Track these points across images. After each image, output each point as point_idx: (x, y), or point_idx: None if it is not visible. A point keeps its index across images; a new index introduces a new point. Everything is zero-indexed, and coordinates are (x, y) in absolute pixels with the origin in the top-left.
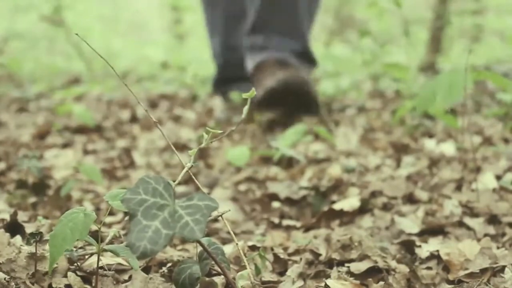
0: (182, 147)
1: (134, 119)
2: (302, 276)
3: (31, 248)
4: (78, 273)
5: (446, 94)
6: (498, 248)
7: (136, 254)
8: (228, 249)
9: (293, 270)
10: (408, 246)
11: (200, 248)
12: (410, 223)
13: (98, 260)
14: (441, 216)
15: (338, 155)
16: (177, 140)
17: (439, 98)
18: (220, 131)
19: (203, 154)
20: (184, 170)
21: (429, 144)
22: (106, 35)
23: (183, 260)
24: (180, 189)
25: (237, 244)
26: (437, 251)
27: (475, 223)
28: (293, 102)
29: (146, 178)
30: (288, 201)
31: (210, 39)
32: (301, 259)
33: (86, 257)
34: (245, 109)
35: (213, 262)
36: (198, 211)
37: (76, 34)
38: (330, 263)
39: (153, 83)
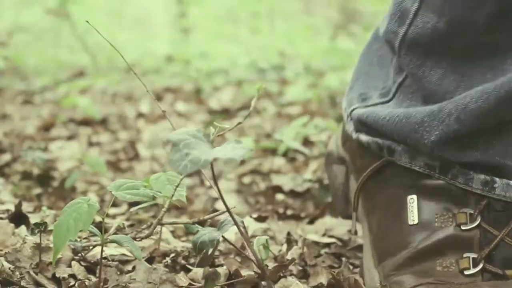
0: None
1: (139, 112)
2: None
3: (36, 239)
4: (82, 263)
5: None
6: None
7: (177, 170)
8: (231, 237)
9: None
10: None
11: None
12: None
13: (102, 250)
14: None
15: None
16: None
17: None
18: (226, 126)
19: None
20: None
21: None
22: (111, 29)
23: (202, 228)
24: (186, 181)
25: (242, 234)
26: None
27: None
28: None
29: (185, 129)
30: (292, 193)
31: None
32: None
33: (90, 247)
34: (253, 101)
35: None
36: (235, 148)
37: (87, 21)
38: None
39: (157, 77)
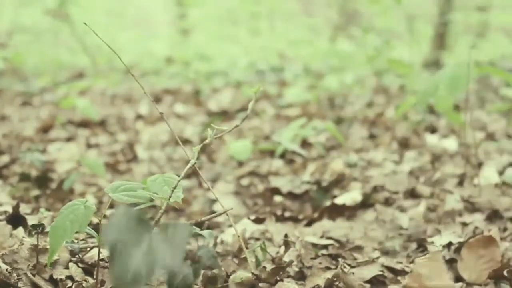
0: (184, 142)
1: (137, 113)
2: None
3: (33, 240)
4: (80, 265)
5: (449, 86)
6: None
7: None
8: (229, 239)
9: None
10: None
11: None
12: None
13: (99, 252)
14: (442, 210)
15: (342, 149)
16: (179, 134)
17: (442, 90)
18: (224, 127)
19: (205, 148)
20: (188, 166)
21: (432, 139)
22: (111, 30)
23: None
24: (184, 183)
25: (238, 236)
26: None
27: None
28: None
29: (117, 215)
30: (290, 195)
31: None
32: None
33: (88, 249)
34: (251, 103)
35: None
36: (173, 243)
37: (85, 24)
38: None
39: (157, 78)
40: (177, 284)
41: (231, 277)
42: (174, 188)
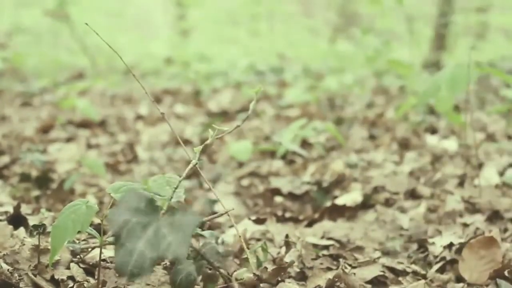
0: (184, 142)
1: (137, 114)
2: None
3: (35, 240)
4: (81, 265)
5: (449, 87)
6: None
7: (125, 278)
8: (230, 239)
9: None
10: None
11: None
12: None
13: (101, 252)
14: (443, 211)
15: (343, 151)
16: (179, 135)
17: (442, 91)
18: (225, 128)
19: (206, 148)
20: (189, 167)
21: (432, 140)
22: (111, 30)
23: (179, 260)
24: (184, 183)
25: (240, 237)
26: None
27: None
28: None
29: (128, 195)
30: (291, 196)
31: None
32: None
33: (89, 249)
34: (252, 104)
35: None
36: (181, 228)
37: (86, 24)
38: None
39: (157, 79)
40: (180, 280)
41: (234, 273)
42: (176, 188)
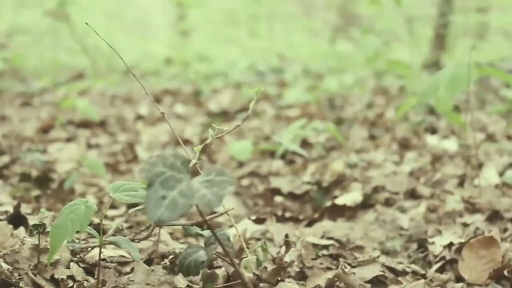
0: (184, 142)
1: (138, 114)
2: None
3: (35, 240)
4: (81, 264)
5: (449, 87)
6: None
7: (153, 220)
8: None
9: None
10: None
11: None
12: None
13: (100, 252)
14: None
15: (343, 151)
16: (179, 135)
17: (441, 90)
18: (225, 128)
19: (206, 148)
20: (190, 166)
21: (432, 140)
22: (110, 31)
23: (190, 245)
24: None
25: (240, 237)
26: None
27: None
28: None
29: (165, 153)
30: (291, 195)
31: None
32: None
33: (89, 249)
34: (252, 104)
35: (217, 250)
36: (215, 185)
37: (86, 24)
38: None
39: (157, 79)
40: (189, 263)
41: (242, 261)
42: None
